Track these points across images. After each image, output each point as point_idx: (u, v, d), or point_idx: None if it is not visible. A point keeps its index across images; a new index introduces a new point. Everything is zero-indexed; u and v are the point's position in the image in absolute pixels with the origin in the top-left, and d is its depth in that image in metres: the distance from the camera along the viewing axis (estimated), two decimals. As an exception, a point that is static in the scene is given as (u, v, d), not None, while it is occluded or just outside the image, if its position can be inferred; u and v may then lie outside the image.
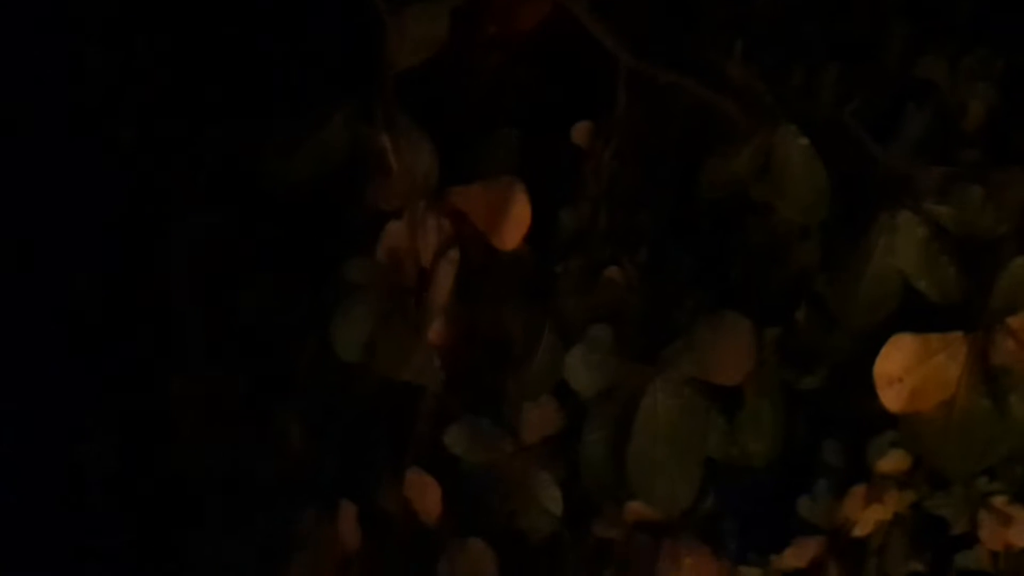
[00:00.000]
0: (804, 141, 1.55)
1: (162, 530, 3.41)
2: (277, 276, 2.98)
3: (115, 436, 3.37)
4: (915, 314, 1.49)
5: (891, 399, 1.30)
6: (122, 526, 3.45)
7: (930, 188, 1.47)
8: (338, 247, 2.17)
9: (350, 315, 1.89)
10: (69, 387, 3.02)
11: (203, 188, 3.05)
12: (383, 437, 2.55)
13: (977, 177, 1.47)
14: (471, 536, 2.20)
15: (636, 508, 2.14)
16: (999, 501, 2.72)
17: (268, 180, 2.02)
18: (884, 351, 1.30)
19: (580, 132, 2.01)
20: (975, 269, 1.43)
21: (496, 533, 2.25)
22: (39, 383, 2.97)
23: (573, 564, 2.63)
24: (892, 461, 2.72)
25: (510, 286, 1.93)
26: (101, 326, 3.26)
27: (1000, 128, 2.34)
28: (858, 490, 2.80)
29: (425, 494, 2.19)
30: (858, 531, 2.82)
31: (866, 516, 2.78)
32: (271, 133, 1.91)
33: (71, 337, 3.21)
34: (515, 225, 1.71)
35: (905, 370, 1.28)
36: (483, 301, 1.90)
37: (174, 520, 3.43)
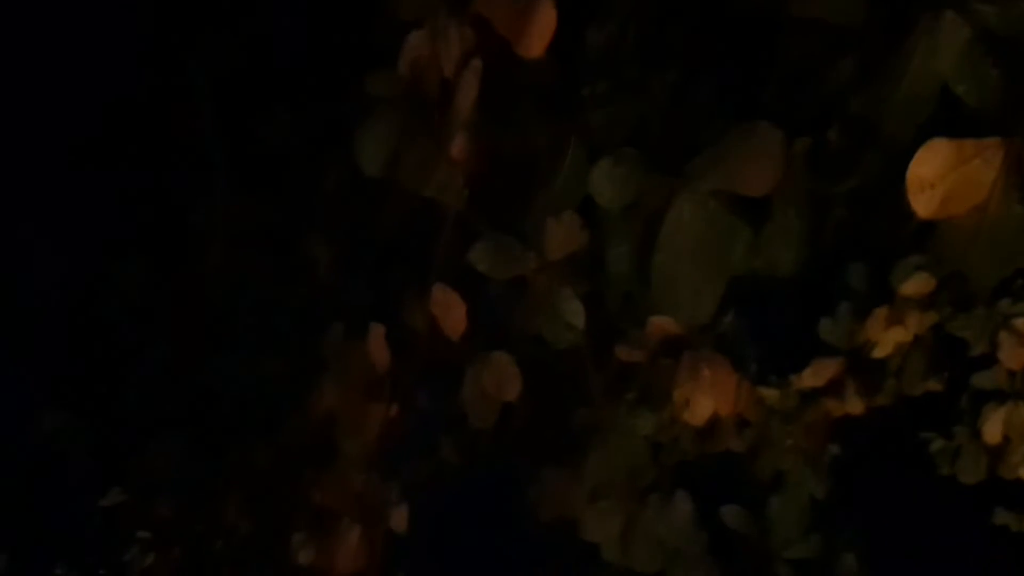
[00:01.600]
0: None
1: (193, 354, 3.53)
2: (301, 100, 2.95)
3: (143, 262, 3.44)
4: (949, 126, 1.45)
5: (922, 204, 1.27)
6: (153, 351, 3.58)
7: (977, -13, 1.39)
8: (360, 62, 2.12)
9: (373, 129, 1.87)
10: (98, 208, 3.06)
11: (224, 14, 2.98)
12: (408, 256, 2.57)
13: (1026, -25, 1.38)
14: (495, 351, 2.26)
15: (659, 324, 2.17)
16: (1020, 322, 2.74)
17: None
18: (918, 155, 1.26)
19: (608, -55, 1.91)
20: (1018, 75, 1.37)
21: (520, 349, 2.31)
22: (72, 201, 3.01)
23: (596, 383, 2.71)
24: (916, 284, 2.72)
25: (534, 99, 1.88)
26: (128, 152, 3.27)
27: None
28: (880, 312, 2.81)
29: (450, 311, 2.23)
30: (878, 352, 2.86)
31: (886, 337, 2.81)
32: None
33: (97, 161, 3.23)
34: (540, 31, 1.64)
35: (938, 175, 1.25)
36: (507, 115, 1.87)
37: (206, 345, 3.54)
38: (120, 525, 4.16)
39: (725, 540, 2.41)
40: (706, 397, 2.13)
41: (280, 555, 3.56)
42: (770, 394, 2.98)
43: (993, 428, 2.88)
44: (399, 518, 2.73)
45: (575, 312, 2.12)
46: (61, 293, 3.62)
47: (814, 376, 2.94)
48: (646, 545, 2.24)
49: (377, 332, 2.71)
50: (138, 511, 4.19)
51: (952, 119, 1.47)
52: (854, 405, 2.94)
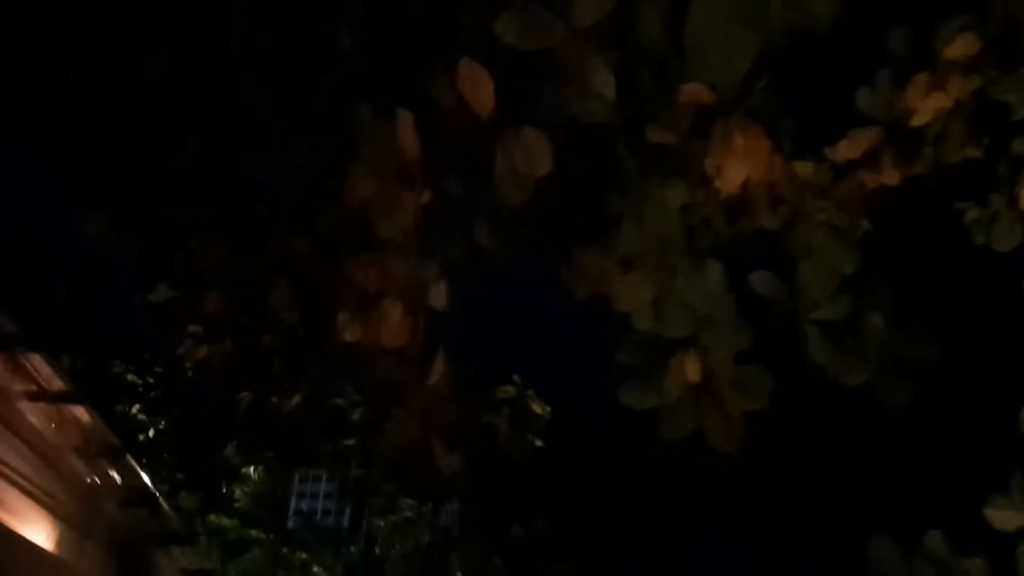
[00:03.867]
0: None
1: (228, 149, 3.55)
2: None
3: (173, 58, 3.39)
4: None
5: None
6: (188, 148, 3.59)
7: None
8: None
9: None
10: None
11: None
12: (434, 32, 2.51)
13: None
14: (525, 127, 2.24)
15: (691, 93, 2.12)
16: (1068, 82, 2.64)
17: None
18: None
19: None
20: None
21: (551, 123, 2.29)
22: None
23: (628, 158, 2.69)
24: (960, 46, 2.61)
25: None
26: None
27: None
28: (921, 78, 2.71)
29: (478, 86, 2.20)
30: (917, 120, 2.78)
31: (926, 104, 2.73)
32: None
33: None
34: None
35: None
36: None
37: (239, 139, 3.54)
38: (171, 321, 4.32)
39: (754, 305, 2.47)
40: (739, 163, 2.12)
41: (327, 340, 3.72)
42: (804, 168, 2.94)
43: (1032, 194, 2.85)
44: (438, 295, 2.83)
45: (605, 83, 2.08)
46: (94, 94, 3.61)
47: (850, 148, 2.88)
48: (677, 311, 2.30)
49: (405, 118, 2.70)
50: (187, 306, 4.34)
51: None
52: (890, 176, 2.90)
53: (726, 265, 2.45)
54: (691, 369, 2.38)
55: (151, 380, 17.93)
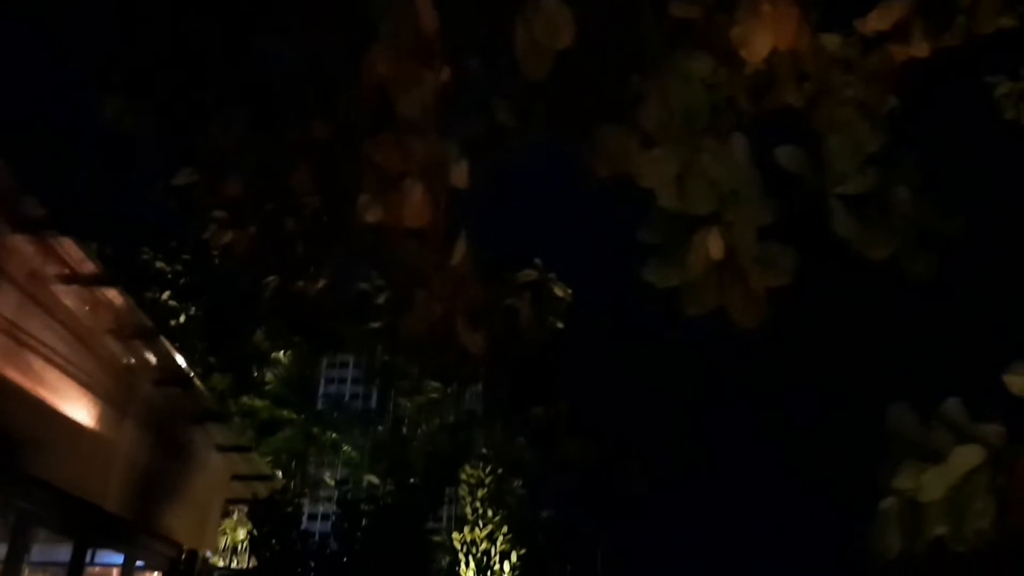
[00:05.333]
0: None
1: (245, 31, 3.50)
2: None
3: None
4: None
5: None
6: (205, 29, 3.54)
7: None
8: None
9: None
10: None
11: None
12: None
13: None
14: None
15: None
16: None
17: None
18: None
19: None
20: None
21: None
22: None
23: (652, 30, 2.63)
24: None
25: None
26: None
27: None
28: (958, -59, 2.60)
29: (498, -44, 2.13)
30: (950, -10, 2.68)
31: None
32: None
33: None
34: None
35: None
36: None
37: (255, 20, 3.49)
38: (194, 205, 4.34)
39: (779, 181, 2.44)
40: (765, 31, 2.06)
41: (349, 223, 3.74)
42: (831, 41, 2.86)
43: (1067, 62, 2.77)
44: (460, 174, 2.82)
45: (629, -49, 2.01)
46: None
47: (880, 18, 2.79)
48: (701, 187, 2.29)
49: (424, -4, 2.63)
50: (209, 190, 4.36)
51: None
52: (920, 48, 2.81)
53: (751, 141, 2.42)
54: (714, 245, 2.38)
55: (179, 268, 18.18)
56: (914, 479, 2.22)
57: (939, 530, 2.23)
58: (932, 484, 2.17)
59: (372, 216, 2.90)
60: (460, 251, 2.99)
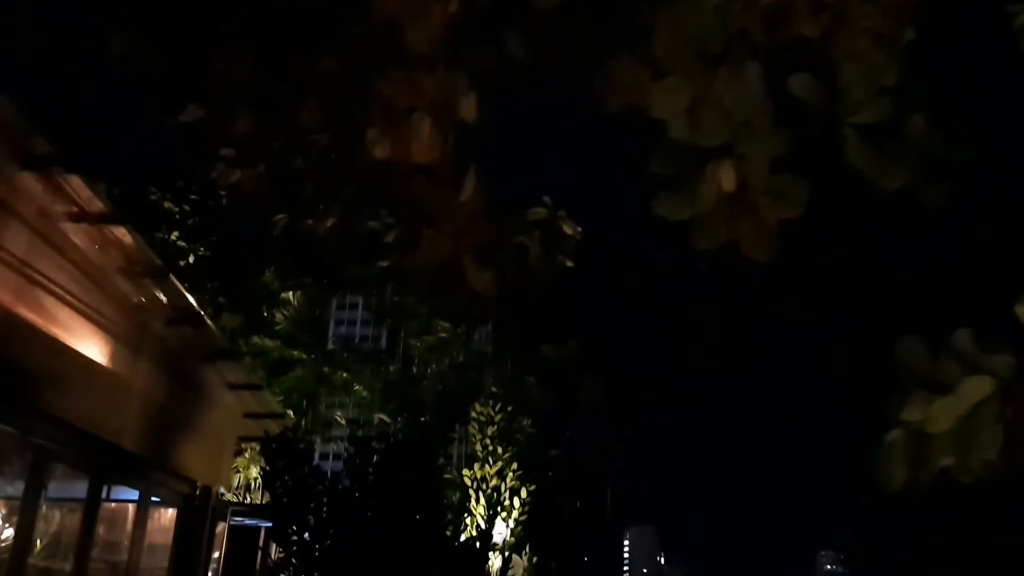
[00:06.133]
0: None
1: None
2: None
3: None
4: None
5: None
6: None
7: None
8: None
9: None
10: None
11: None
12: None
13: None
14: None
15: None
16: None
17: None
18: None
19: None
20: None
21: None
22: None
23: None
24: None
25: None
26: None
27: None
28: None
29: None
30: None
31: None
32: None
33: None
34: None
35: None
36: None
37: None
38: (202, 143, 4.30)
39: (792, 111, 2.41)
40: (782, -43, 2.01)
41: (358, 160, 3.72)
42: (849, -31, 2.79)
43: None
44: (468, 107, 2.79)
45: None
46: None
47: (899, -55, 2.71)
48: (713, 117, 2.26)
49: None
50: (216, 126, 4.32)
51: None
52: (940, -25, 2.75)
53: (764, 71, 2.38)
54: (726, 177, 2.36)
55: (187, 208, 18.18)
56: (922, 411, 2.23)
57: (945, 461, 2.25)
58: (940, 415, 2.18)
59: (380, 151, 2.88)
60: (469, 187, 2.98)
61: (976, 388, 2.16)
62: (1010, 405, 2.13)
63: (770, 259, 2.49)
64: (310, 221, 4.58)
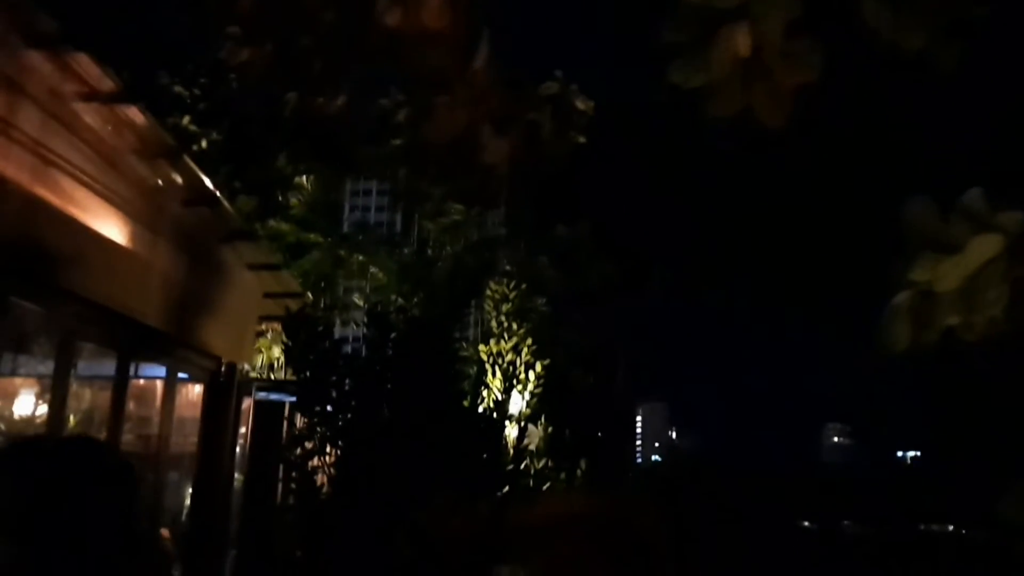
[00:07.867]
0: None
1: None
2: None
3: None
4: None
5: None
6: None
7: None
8: None
9: None
10: None
11: None
12: None
13: None
14: None
15: None
16: None
17: None
18: None
19: None
20: None
21: None
22: None
23: None
24: None
25: None
26: None
27: None
28: None
29: None
30: None
31: None
32: None
33: None
34: None
35: None
36: None
37: None
38: (209, 20, 4.27)
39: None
40: None
41: (366, 35, 3.66)
42: None
43: None
44: (479, -30, 2.73)
45: None
46: None
47: None
48: (728, -23, 2.22)
49: None
50: (224, 3, 4.27)
51: None
52: None
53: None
54: (741, 42, 2.33)
55: (197, 92, 17.94)
56: (930, 271, 2.26)
57: (951, 320, 2.29)
58: (948, 274, 2.21)
59: (391, 19, 2.85)
60: (482, 54, 2.95)
61: (985, 246, 2.18)
62: (1017, 262, 2.15)
63: (784, 125, 2.49)
64: (320, 100, 4.56)
